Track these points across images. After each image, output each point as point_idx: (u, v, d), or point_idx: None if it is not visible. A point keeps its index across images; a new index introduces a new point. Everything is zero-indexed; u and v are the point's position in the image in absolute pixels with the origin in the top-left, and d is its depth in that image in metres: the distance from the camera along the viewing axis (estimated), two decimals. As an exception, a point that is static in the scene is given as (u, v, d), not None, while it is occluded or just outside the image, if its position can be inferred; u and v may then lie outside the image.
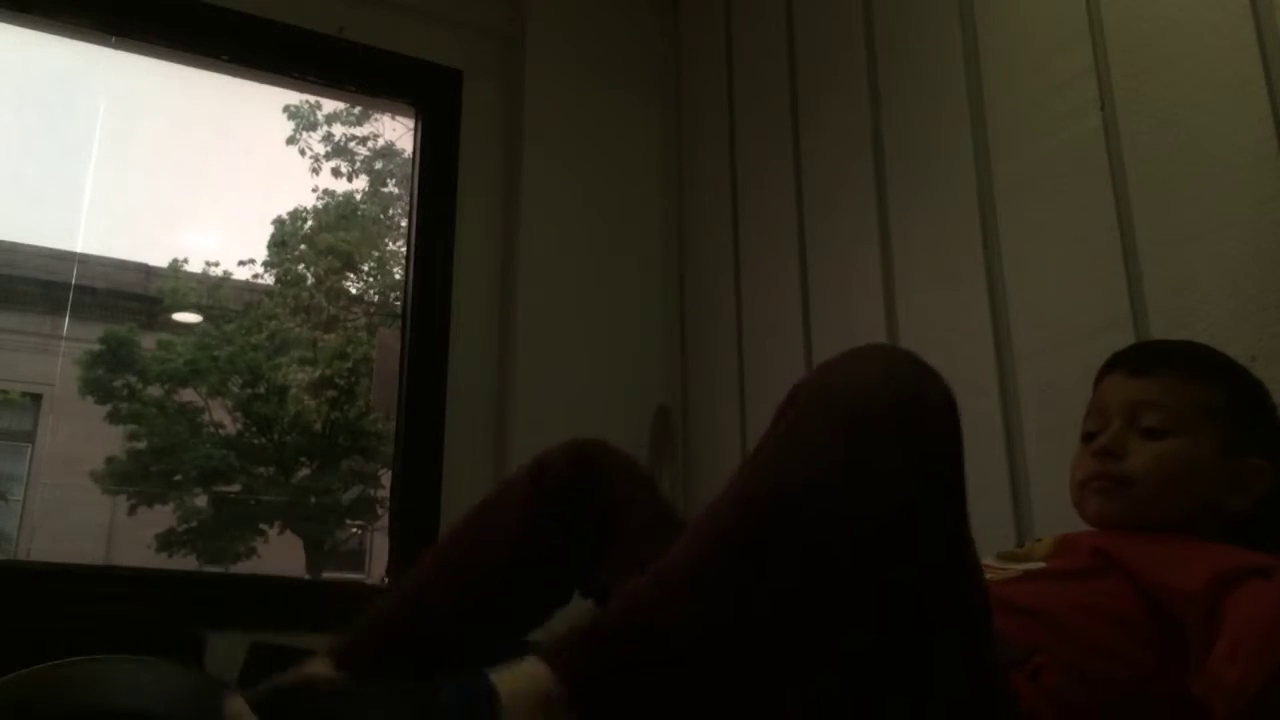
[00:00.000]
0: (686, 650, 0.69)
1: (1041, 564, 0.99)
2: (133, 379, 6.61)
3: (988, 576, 0.97)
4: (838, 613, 0.71)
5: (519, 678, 0.69)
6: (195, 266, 7.20)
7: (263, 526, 6.65)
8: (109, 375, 6.58)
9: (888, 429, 0.71)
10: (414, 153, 2.32)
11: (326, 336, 6.97)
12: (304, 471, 6.90)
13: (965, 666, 0.76)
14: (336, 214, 7.23)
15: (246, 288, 7.16)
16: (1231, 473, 0.97)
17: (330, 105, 6.90)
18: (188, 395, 6.73)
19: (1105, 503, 1.00)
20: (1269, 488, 0.97)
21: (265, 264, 7.14)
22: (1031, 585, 0.96)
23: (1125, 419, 1.01)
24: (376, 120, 7.06)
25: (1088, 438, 1.06)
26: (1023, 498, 1.44)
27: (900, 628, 0.73)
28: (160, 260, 7.16)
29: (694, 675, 0.69)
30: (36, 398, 6.95)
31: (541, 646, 0.71)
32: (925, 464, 0.72)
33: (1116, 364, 1.08)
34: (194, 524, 6.54)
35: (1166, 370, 1.03)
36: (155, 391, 6.64)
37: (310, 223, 7.23)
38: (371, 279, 7.32)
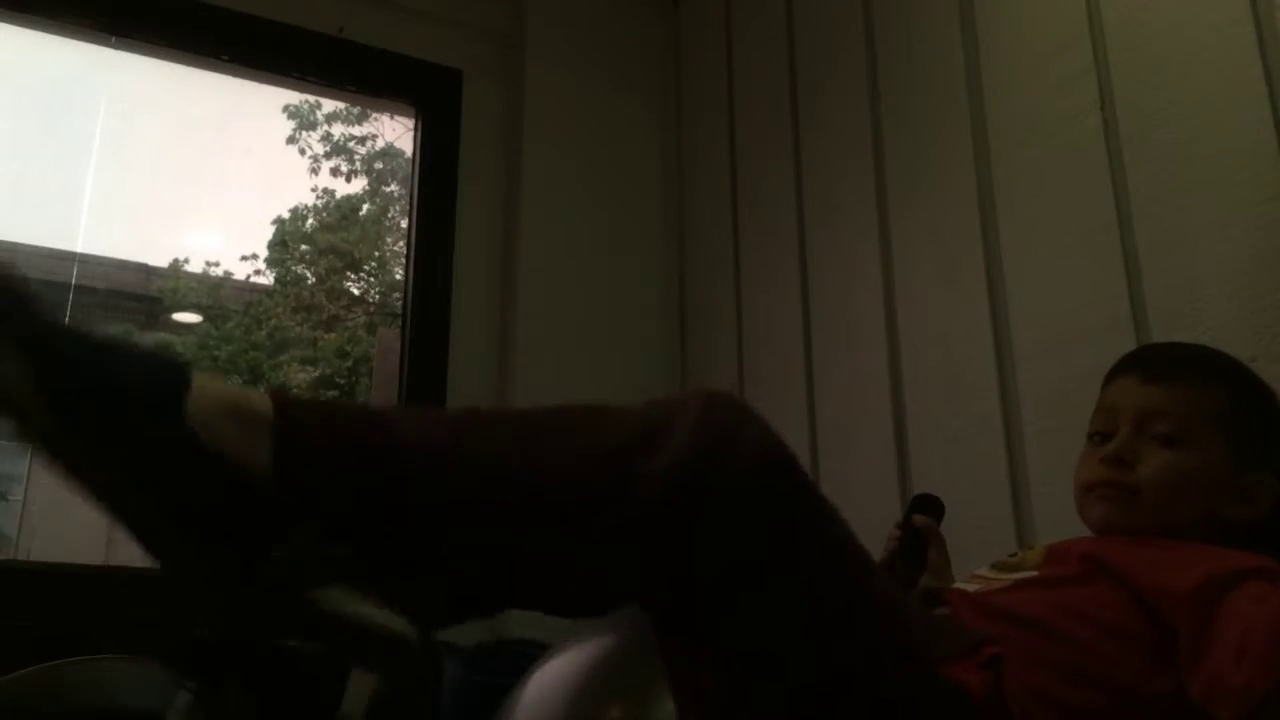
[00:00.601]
0: (409, 454, 0.71)
1: (1034, 573, 0.98)
2: (132, 379, 6.61)
3: (978, 587, 0.99)
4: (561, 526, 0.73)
5: (221, 382, 0.72)
6: (196, 266, 7.19)
7: (263, 527, 6.64)
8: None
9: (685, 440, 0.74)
10: (414, 153, 2.32)
11: (327, 336, 6.96)
12: (304, 471, 6.89)
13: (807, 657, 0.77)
14: (337, 214, 7.23)
15: (247, 287, 7.15)
16: (1239, 486, 0.96)
17: (330, 105, 6.89)
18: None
19: (1110, 510, 0.99)
20: (1275, 502, 0.96)
21: (267, 261, 7.14)
22: (1021, 594, 0.96)
23: (1135, 425, 0.99)
24: (376, 120, 7.05)
25: (1094, 437, 1.04)
26: (1023, 498, 1.44)
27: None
28: (161, 260, 7.15)
29: (400, 480, 0.71)
30: (36, 398, 6.94)
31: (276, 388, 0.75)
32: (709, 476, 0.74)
33: (1129, 367, 1.06)
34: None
35: (1181, 378, 1.01)
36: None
37: (311, 221, 7.22)
38: (372, 279, 7.31)
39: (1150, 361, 1.06)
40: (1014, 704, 0.81)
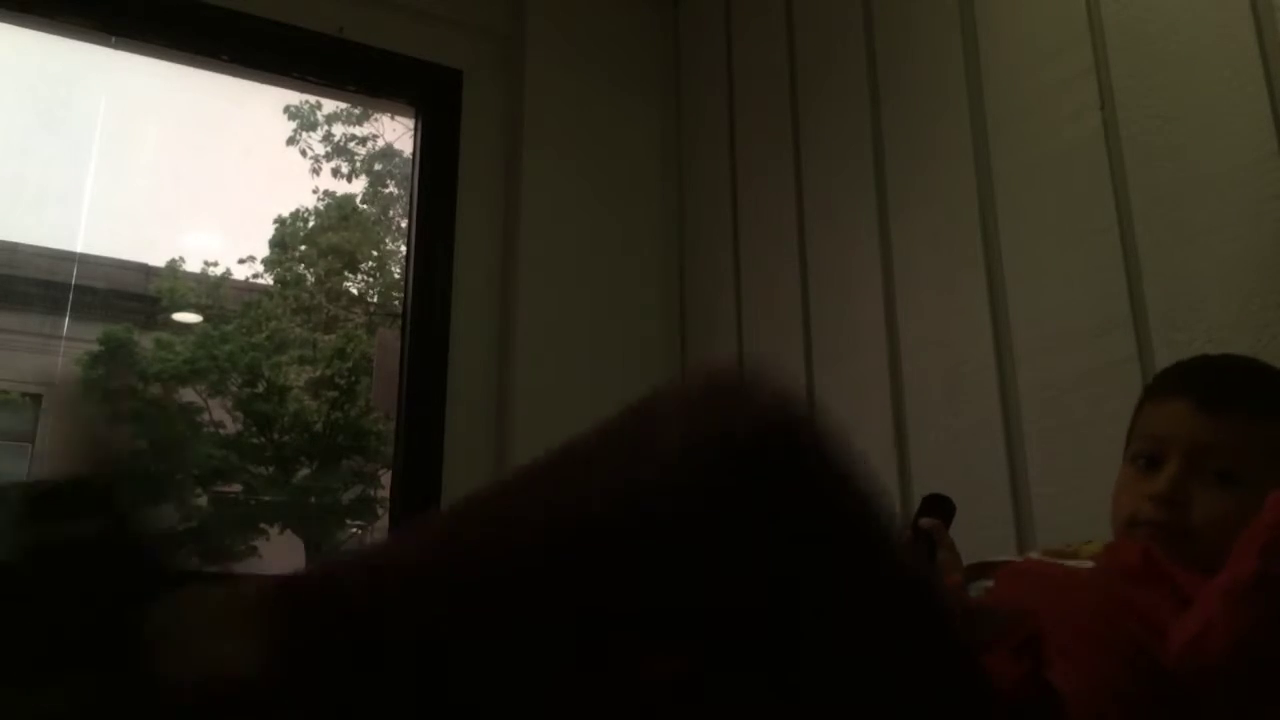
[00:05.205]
0: None
1: (1089, 564, 0.95)
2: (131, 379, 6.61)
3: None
4: None
5: None
6: (194, 266, 7.19)
7: (263, 526, 6.65)
8: (108, 376, 6.57)
9: None
10: (414, 153, 2.32)
11: (326, 336, 6.96)
12: (304, 471, 6.89)
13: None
14: (337, 214, 7.23)
15: (246, 288, 7.15)
16: None
17: (330, 105, 6.90)
18: (188, 395, 6.73)
19: (1158, 549, 0.93)
20: None
21: (265, 262, 7.14)
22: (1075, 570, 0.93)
23: (1188, 458, 0.93)
24: (376, 120, 7.05)
25: (1138, 461, 0.98)
26: (1023, 498, 1.44)
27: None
28: (160, 260, 7.16)
29: None
30: (36, 398, 6.94)
31: None
32: None
33: (1182, 389, 0.98)
34: (194, 524, 6.54)
35: (1241, 408, 0.94)
36: (155, 391, 6.63)
37: (312, 222, 7.22)
38: (371, 279, 7.31)
39: (1206, 386, 0.98)
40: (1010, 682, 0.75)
